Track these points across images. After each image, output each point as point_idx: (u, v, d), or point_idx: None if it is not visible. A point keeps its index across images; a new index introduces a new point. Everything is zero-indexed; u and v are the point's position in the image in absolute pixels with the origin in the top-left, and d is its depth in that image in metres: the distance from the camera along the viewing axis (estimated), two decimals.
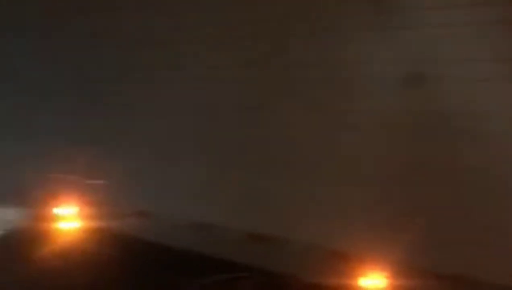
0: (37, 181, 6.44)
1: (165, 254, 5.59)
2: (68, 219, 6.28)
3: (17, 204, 7.42)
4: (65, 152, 6.15)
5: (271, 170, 4.91)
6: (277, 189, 4.83)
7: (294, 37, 4.81)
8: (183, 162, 5.45)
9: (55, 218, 6.42)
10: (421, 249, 4.08)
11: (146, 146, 5.69)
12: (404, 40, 4.29)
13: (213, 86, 5.28)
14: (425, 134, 4.23)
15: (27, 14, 6.47)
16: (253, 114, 5.06)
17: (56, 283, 6.48)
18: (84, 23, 6.03)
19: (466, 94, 4.00)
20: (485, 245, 3.98)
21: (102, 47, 5.95)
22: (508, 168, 3.90)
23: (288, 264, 4.49)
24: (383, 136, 4.36)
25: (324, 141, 4.59)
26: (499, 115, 3.94)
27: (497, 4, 3.83)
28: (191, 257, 5.11)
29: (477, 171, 3.98)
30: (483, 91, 3.96)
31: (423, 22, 4.19)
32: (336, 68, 4.57)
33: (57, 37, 6.25)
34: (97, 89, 6.06)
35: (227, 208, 5.11)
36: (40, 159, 6.40)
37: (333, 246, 4.40)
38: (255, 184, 5.00)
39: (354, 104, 4.49)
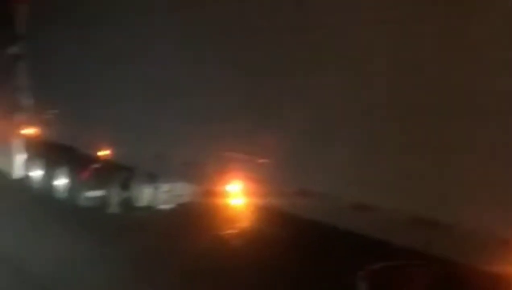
0: (207, 158, 6.73)
1: (328, 235, 5.65)
2: (234, 196, 6.52)
3: (188, 180, 7.85)
4: (233, 131, 6.38)
5: (436, 153, 4.73)
6: (441, 172, 4.65)
7: None
8: (345, 142, 5.40)
9: (223, 194, 6.71)
10: None
11: (309, 125, 5.70)
12: None
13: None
14: None
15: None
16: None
17: (221, 258, 6.86)
18: None
19: None
20: None
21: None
22: None
23: (457, 251, 4.35)
24: None
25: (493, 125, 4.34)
26: None
27: None
28: (355, 239, 5.10)
29: None
30: None
31: None
32: None
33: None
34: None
35: (390, 190, 5.01)
36: (212, 137, 6.66)
37: (502, 233, 4.18)
38: (419, 167, 4.85)
39: None
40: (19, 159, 10.83)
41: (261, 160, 6.10)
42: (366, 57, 5.06)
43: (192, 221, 7.84)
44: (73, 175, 9.41)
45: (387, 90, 4.97)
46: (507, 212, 4.16)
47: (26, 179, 10.69)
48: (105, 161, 8.76)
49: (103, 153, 8.62)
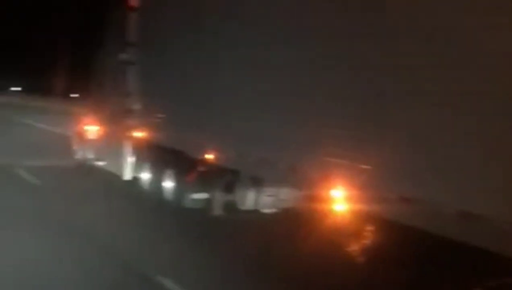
0: (311, 163, 6.75)
1: (434, 245, 5.52)
2: (337, 202, 6.49)
3: (291, 185, 7.89)
4: (337, 136, 6.37)
5: None
6: None
7: None
8: (450, 147, 5.26)
9: (326, 200, 6.69)
10: None
11: (411, 131, 5.61)
12: None
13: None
14: None
15: None
16: None
17: (325, 264, 6.84)
18: None
19: None
20: None
21: None
22: None
23: None
24: None
25: None
26: None
27: None
28: (463, 250, 4.95)
29: None
30: None
31: None
32: None
33: None
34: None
35: (498, 198, 4.84)
36: (316, 143, 6.67)
37: None
38: None
39: None
40: (130, 161, 11.27)
41: (363, 166, 6.05)
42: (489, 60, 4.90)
43: (296, 226, 7.89)
44: (180, 177, 9.69)
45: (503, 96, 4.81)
46: None
47: (136, 180, 11.11)
48: (211, 164, 8.96)
49: (209, 156, 8.82)
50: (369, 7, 5.96)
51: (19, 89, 49.99)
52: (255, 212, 8.85)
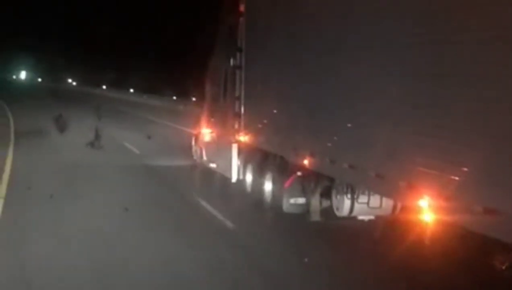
0: (399, 171, 6.57)
1: None
2: (425, 212, 6.26)
3: (382, 193, 7.71)
4: (425, 145, 6.18)
5: None
6: None
7: None
8: None
9: (413, 209, 6.48)
10: None
11: (495, 143, 5.32)
12: None
13: None
14: None
15: None
16: None
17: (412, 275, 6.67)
18: None
19: None
20: None
21: None
22: None
23: None
24: None
25: None
26: None
27: None
28: None
29: None
30: None
31: None
32: None
33: None
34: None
35: None
36: (404, 151, 6.51)
37: None
38: None
39: None
40: (236, 163, 11.50)
41: (450, 176, 5.80)
42: None
43: (389, 234, 7.76)
44: (279, 181, 9.73)
45: None
46: None
47: (242, 182, 11.32)
48: (308, 170, 8.93)
49: (306, 162, 8.79)
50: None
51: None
52: (351, 219, 8.72)
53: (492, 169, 5.37)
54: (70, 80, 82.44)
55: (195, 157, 14.72)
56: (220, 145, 12.44)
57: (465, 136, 5.72)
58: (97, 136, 18.08)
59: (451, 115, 5.91)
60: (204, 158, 13.85)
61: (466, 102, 5.71)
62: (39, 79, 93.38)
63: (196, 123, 14.78)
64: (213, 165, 13.16)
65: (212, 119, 13.16)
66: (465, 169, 5.63)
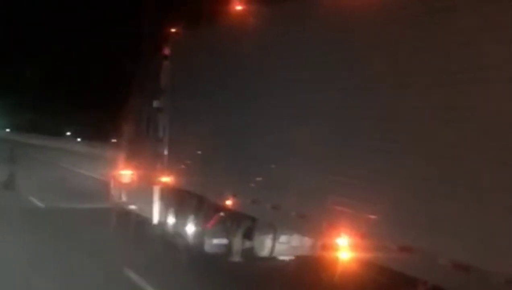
0: (318, 211, 6.82)
1: None
2: (343, 250, 6.50)
3: (302, 232, 7.94)
4: (343, 185, 6.45)
5: None
6: None
7: None
8: (448, 200, 5.27)
9: (332, 247, 6.71)
10: None
11: (415, 181, 5.63)
12: None
13: None
14: None
15: None
16: None
17: None
18: None
19: None
20: None
21: None
22: None
23: None
24: None
25: None
26: None
27: None
28: None
29: None
30: None
31: None
32: None
33: None
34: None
35: (485, 249, 4.82)
36: (323, 191, 6.76)
37: None
38: None
39: None
40: (158, 205, 11.49)
41: (367, 215, 6.09)
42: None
43: (306, 274, 7.94)
44: (201, 222, 9.82)
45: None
46: None
47: (162, 224, 11.30)
48: (230, 210, 9.07)
49: (229, 202, 8.94)
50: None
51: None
52: (272, 259, 8.88)
53: (405, 207, 5.70)
54: None
55: (113, 200, 14.40)
56: (142, 186, 12.40)
57: (378, 176, 6.04)
58: (10, 179, 17.64)
59: (365, 156, 6.24)
60: (124, 199, 13.72)
61: (379, 142, 6.06)
62: None
63: (115, 165, 14.60)
64: (133, 207, 13.07)
65: (133, 161, 13.13)
66: (380, 207, 5.94)
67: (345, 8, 6.59)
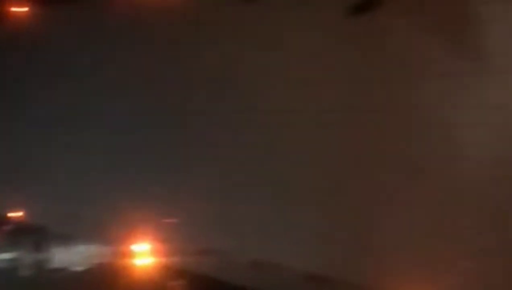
0: (115, 218, 6.71)
1: None
2: (143, 256, 6.48)
3: (99, 241, 7.75)
4: (141, 190, 6.42)
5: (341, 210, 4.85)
6: (333, 231, 4.76)
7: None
8: (246, 200, 5.48)
9: (131, 254, 6.66)
10: None
11: (212, 185, 5.78)
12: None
13: None
14: None
15: None
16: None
17: None
18: None
19: None
20: None
21: None
22: None
23: None
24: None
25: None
26: None
27: None
28: None
29: None
30: None
31: None
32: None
33: None
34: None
35: (287, 246, 5.10)
36: (119, 197, 6.66)
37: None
38: (319, 223, 4.95)
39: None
40: None
41: (165, 220, 6.13)
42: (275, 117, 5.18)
43: (104, 283, 7.73)
44: None
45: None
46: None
47: None
48: (17, 222, 8.57)
49: (14, 213, 8.44)
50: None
51: None
52: (64, 271, 8.53)
53: (203, 211, 5.84)
54: None
55: None
56: None
57: (175, 181, 6.12)
58: None
59: (168, 168, 6.29)
60: None
61: (178, 149, 6.14)
62: None
63: None
64: None
65: None
66: (178, 212, 6.03)
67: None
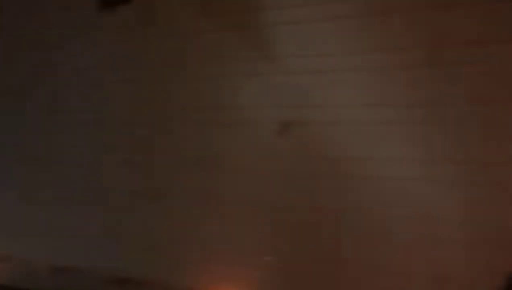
0: None
1: None
2: None
3: None
4: None
5: (140, 209, 4.72)
6: (142, 229, 4.66)
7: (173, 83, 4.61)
8: (42, 204, 5.22)
9: None
10: None
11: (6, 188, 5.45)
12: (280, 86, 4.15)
13: None
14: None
15: None
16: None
17: None
18: None
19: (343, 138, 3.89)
20: None
21: None
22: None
23: None
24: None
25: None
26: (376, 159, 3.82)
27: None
28: None
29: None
30: (361, 135, 3.85)
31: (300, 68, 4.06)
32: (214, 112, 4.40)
33: None
34: None
35: (89, 249, 4.92)
36: None
37: None
38: (119, 224, 4.81)
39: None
40: None
41: None
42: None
43: None
44: None
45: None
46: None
47: None
48: None
49: None
50: None
51: None
52: None
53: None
54: None
55: None
56: None
57: None
58: None
59: None
60: None
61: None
62: None
63: None
64: None
65: None
66: None
67: None
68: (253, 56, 4.22)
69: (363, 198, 3.80)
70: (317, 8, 3.95)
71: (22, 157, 5.35)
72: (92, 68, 4.91)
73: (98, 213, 4.82)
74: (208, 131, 4.35)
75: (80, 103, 4.98)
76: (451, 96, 3.55)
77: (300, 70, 4.04)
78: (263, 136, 4.14)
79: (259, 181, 4.13)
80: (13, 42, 5.42)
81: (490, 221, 3.42)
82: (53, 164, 5.12)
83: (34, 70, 5.26)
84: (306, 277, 3.96)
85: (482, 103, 3.46)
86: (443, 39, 3.56)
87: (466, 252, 3.50)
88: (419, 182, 3.65)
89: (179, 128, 4.50)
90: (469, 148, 3.50)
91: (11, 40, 5.43)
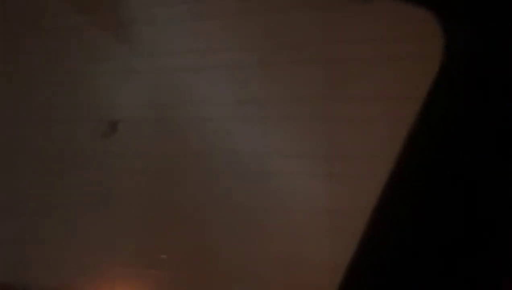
0: None
1: None
2: None
3: None
4: None
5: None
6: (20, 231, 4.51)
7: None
8: None
9: None
10: None
11: None
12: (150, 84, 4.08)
13: None
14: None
15: None
16: None
17: None
18: None
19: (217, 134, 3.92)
20: None
21: None
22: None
23: None
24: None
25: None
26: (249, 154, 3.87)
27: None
28: None
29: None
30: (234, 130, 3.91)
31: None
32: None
33: None
34: None
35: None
36: None
37: None
38: None
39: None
40: None
41: None
42: None
43: None
44: None
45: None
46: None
47: None
48: None
49: None
50: None
51: None
52: None
53: None
54: None
55: None
56: None
57: None
58: None
59: None
60: None
61: None
62: None
63: None
64: None
65: None
66: None
67: None
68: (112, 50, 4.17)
69: (234, 192, 3.91)
70: (186, 7, 3.95)
71: None
72: None
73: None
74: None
75: None
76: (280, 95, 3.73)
77: (169, 67, 4.05)
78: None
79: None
80: None
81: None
82: None
83: None
84: (199, 276, 4.03)
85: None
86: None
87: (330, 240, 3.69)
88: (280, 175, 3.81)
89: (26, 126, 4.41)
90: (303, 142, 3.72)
91: None
